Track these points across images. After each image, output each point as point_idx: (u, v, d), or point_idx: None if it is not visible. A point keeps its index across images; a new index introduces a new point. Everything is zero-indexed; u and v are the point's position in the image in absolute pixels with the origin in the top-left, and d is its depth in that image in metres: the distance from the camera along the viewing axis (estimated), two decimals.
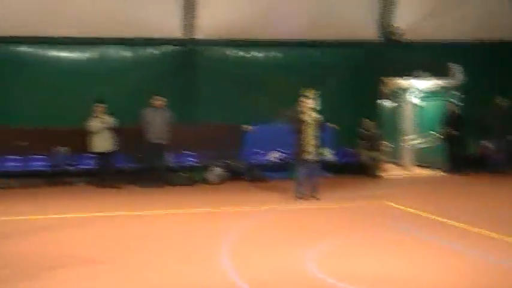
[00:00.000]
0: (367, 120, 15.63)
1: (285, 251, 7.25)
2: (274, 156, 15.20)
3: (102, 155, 13.71)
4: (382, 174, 15.69)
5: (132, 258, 7.05)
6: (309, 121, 11.42)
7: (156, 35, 14.84)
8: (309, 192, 11.62)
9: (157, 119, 13.72)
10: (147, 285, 5.89)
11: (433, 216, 9.41)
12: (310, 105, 11.55)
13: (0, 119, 13.99)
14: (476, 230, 8.27)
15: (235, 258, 6.92)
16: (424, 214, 9.68)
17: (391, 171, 16.62)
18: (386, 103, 17.60)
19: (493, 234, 7.89)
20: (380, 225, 9.02)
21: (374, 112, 16.15)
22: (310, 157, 11.43)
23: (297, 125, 11.47)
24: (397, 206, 10.63)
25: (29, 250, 7.57)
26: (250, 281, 5.91)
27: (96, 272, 6.46)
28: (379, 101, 16.55)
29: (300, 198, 11.53)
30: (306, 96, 11.55)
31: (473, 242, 7.62)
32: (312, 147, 11.41)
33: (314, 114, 11.48)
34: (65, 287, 5.95)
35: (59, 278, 6.22)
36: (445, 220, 9.09)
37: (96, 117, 13.62)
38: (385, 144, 16.82)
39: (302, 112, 11.48)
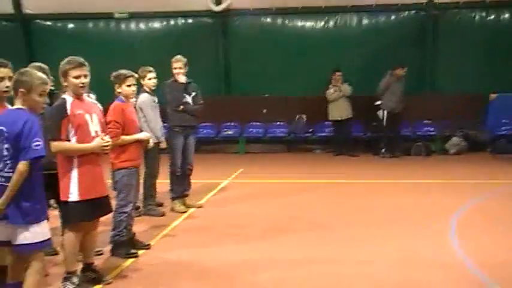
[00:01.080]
0: None
1: None
2: None
3: (338, 123, 13.97)
4: None
5: (357, 227, 7.14)
6: None
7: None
8: None
9: (397, 89, 13.52)
10: (369, 257, 5.92)
11: None
12: None
13: (246, 89, 14.94)
14: None
15: (463, 236, 6.61)
16: None
17: None
18: None
19: None
20: None
21: None
22: None
23: None
24: None
25: (263, 212, 8.11)
26: (478, 262, 5.62)
27: (321, 237, 6.68)
28: None
29: None
30: None
31: None
32: None
33: None
34: (291, 249, 6.26)
35: (287, 240, 6.58)
36: None
37: (334, 85, 13.88)
38: None
39: None
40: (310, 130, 14.66)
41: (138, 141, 6.03)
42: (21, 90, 4.16)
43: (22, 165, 4.00)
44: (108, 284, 5.15)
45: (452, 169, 11.80)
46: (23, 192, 4.04)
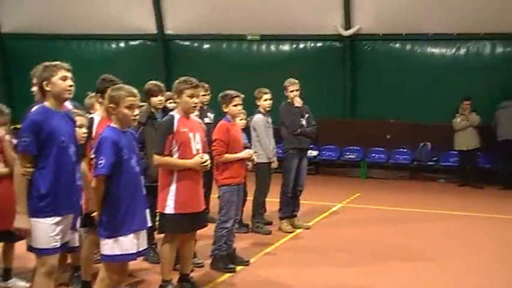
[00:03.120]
0: None
1: None
2: None
3: (465, 152, 13.51)
4: None
5: (462, 260, 6.97)
6: None
7: None
8: None
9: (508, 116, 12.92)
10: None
11: None
12: None
13: (371, 114, 14.91)
14: None
15: None
16: None
17: None
18: None
19: None
20: None
21: None
22: None
23: None
24: None
25: (372, 238, 8.12)
26: None
27: (425, 269, 6.59)
28: None
29: None
30: None
31: None
32: None
33: None
34: (391, 277, 6.25)
35: (389, 268, 6.57)
36: None
37: (462, 114, 13.46)
38: None
39: None
40: (435, 158, 14.29)
41: (242, 160, 6.34)
42: (111, 105, 4.45)
43: (92, 181, 4.40)
44: None
45: None
46: (104, 207, 4.37)
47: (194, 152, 5.20)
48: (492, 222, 9.46)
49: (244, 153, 6.37)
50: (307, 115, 8.45)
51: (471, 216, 9.92)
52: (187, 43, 16.51)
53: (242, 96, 6.42)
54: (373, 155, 14.73)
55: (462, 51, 14.61)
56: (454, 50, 14.66)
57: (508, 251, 7.54)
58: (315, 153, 14.67)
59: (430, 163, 14.26)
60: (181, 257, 5.41)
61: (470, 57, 14.52)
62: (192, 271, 5.69)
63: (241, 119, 7.24)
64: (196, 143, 5.23)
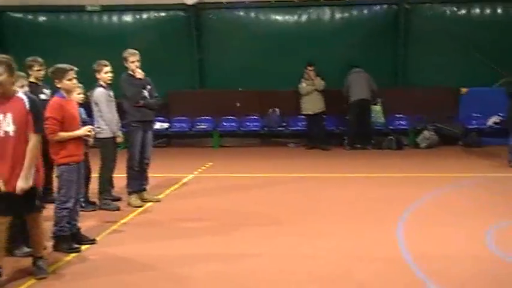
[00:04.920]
0: None
1: (469, 223, 6.78)
2: (493, 121, 14.08)
3: (312, 116, 13.96)
4: None
5: (312, 222, 7.16)
6: None
7: None
8: None
9: (359, 80, 13.62)
10: (314, 251, 5.96)
11: None
12: None
13: (220, 83, 14.92)
14: None
15: (411, 228, 6.66)
16: None
17: None
18: None
19: None
20: None
21: None
22: None
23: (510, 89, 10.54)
24: None
25: (222, 206, 8.13)
26: (416, 255, 5.65)
27: (274, 232, 6.70)
28: None
29: None
30: None
31: None
32: None
33: None
34: (239, 244, 6.28)
35: (238, 235, 6.60)
36: None
37: (307, 79, 13.86)
38: None
39: None
40: (284, 124, 14.65)
41: (79, 137, 6.00)
42: None
43: None
44: (43, 278, 5.17)
45: (422, 163, 11.82)
46: None
47: (1, 134, 4.90)
48: (341, 181, 9.85)
49: (81, 131, 6.00)
50: (149, 86, 8.19)
51: (321, 177, 10.26)
52: (19, 15, 15.45)
53: (76, 69, 6.03)
54: (224, 124, 14.80)
55: (304, 18, 15.01)
56: (296, 17, 15.03)
57: (354, 207, 7.89)
58: (165, 125, 14.48)
59: (279, 129, 14.61)
60: (31, 240, 5.31)
61: (311, 24, 14.97)
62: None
63: (78, 94, 6.86)
64: (5, 125, 4.88)
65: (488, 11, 14.58)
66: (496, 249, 5.77)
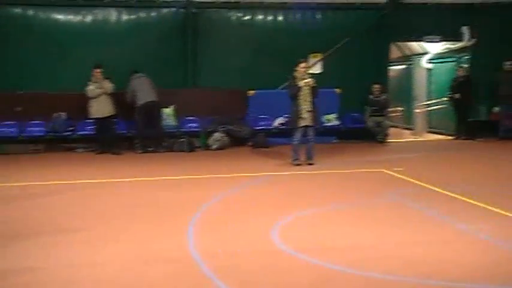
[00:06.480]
0: (376, 84, 15.09)
1: (257, 221, 6.96)
2: (279, 121, 14.83)
3: (101, 120, 13.51)
4: (390, 139, 15.25)
5: (110, 226, 6.87)
6: (304, 87, 11.04)
7: None
8: (304, 158, 11.32)
9: (144, 84, 13.55)
10: (104, 258, 5.68)
11: (429, 185, 8.99)
12: (305, 71, 11.24)
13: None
14: (473, 201, 7.77)
15: (201, 229, 6.67)
16: (421, 183, 9.21)
17: (400, 137, 16.25)
18: (396, 67, 17.09)
19: (493, 208, 7.35)
20: (370, 192, 8.64)
21: (383, 77, 15.62)
22: (304, 123, 11.09)
23: (293, 91, 11.14)
24: (395, 173, 10.22)
25: (17, 215, 7.48)
26: (205, 254, 5.64)
27: (71, 240, 6.27)
28: (388, 66, 16.01)
29: (297, 164, 11.23)
30: (302, 62, 11.27)
31: (465, 215, 7.12)
32: (306, 113, 11.05)
33: (308, 80, 11.09)
34: (39, 253, 5.78)
35: (22, 246, 6.06)
36: (439, 189, 8.68)
37: (95, 82, 13.38)
38: (395, 110, 16.39)
39: (297, 78, 11.15)
40: (71, 128, 13.98)
41: None
42: None
43: None
44: None
45: (213, 164, 12.01)
46: None
47: None
48: (131, 185, 9.63)
49: None
50: None
51: (111, 182, 9.93)
52: None
53: None
54: (3, 129, 13.70)
55: (89, 18, 14.58)
56: (80, 17, 14.53)
57: (144, 211, 7.69)
58: None
59: (66, 133, 13.91)
60: None
61: (97, 25, 14.56)
62: None
63: None
64: None
65: (270, 17, 15.32)
66: (280, 243, 5.97)
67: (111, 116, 13.51)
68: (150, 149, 13.58)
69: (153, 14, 14.85)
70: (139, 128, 13.67)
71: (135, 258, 5.62)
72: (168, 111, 14.22)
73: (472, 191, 8.36)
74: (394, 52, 16.89)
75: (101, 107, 13.39)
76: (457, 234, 6.25)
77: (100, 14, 14.57)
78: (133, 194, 8.91)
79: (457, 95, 15.26)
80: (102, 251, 5.86)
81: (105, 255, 5.72)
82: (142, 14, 14.81)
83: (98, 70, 13.32)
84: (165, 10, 14.88)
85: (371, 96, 15.11)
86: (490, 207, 7.34)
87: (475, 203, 7.63)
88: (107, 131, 13.55)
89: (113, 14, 14.63)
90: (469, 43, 15.55)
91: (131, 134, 13.93)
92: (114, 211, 7.73)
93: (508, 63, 14.95)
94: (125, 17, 14.72)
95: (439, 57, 17.06)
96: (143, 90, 13.48)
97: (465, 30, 15.40)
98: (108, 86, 13.37)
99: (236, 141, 14.43)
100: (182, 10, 14.82)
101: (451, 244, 5.87)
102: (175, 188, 9.30)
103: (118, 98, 13.43)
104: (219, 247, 5.89)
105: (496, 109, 15.32)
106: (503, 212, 7.08)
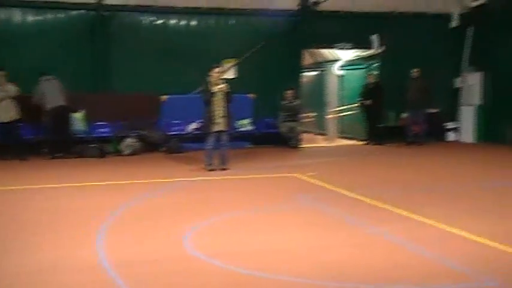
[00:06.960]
0: (289, 90, 15.26)
1: (169, 227, 6.81)
2: (193, 127, 14.69)
3: (6, 125, 12.90)
4: (303, 145, 15.47)
5: (19, 236, 6.50)
6: (217, 92, 11.00)
7: None
8: (218, 163, 11.27)
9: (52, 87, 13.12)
10: (11, 270, 5.37)
11: (340, 189, 9.13)
12: (218, 76, 11.19)
13: None
14: (381, 205, 7.95)
15: (112, 236, 6.45)
16: (333, 187, 9.36)
17: (313, 142, 16.51)
18: (309, 73, 17.37)
19: (399, 211, 7.56)
20: (283, 197, 8.68)
21: (296, 83, 15.82)
22: (218, 128, 11.04)
23: (206, 96, 11.07)
24: (306, 178, 10.33)
25: None
26: (116, 262, 5.45)
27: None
28: (300, 72, 16.25)
29: (210, 169, 11.15)
30: (215, 67, 11.22)
31: (374, 218, 7.25)
32: (220, 118, 11.01)
33: (222, 85, 11.05)
34: None
35: None
36: (350, 193, 8.84)
37: None
38: (308, 115, 16.64)
39: (211, 83, 11.08)
40: None
41: None
42: None
43: None
44: None
45: (125, 170, 11.76)
46: None
47: None
48: (42, 192, 9.25)
49: None
50: None
51: (19, 190, 9.48)
52: None
53: None
54: None
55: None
56: None
57: (53, 219, 7.38)
58: None
59: None
60: None
61: (0, 26, 13.93)
62: None
63: None
64: None
65: (184, 21, 15.18)
66: (192, 249, 5.86)
67: (16, 120, 12.93)
68: (59, 155, 13.11)
69: (61, 15, 14.36)
70: (47, 132, 13.18)
71: (41, 269, 5.33)
72: (78, 115, 13.78)
73: (380, 194, 8.56)
74: (307, 59, 17.17)
75: (4, 112, 12.80)
76: (367, 237, 6.35)
77: (2, 13, 13.95)
78: (42, 201, 8.54)
79: (367, 101, 15.69)
80: (11, 263, 5.54)
81: (13, 267, 5.40)
82: (49, 16, 14.28)
83: (1, 73, 12.73)
84: (74, 12, 14.42)
85: (284, 102, 15.27)
86: (396, 210, 7.52)
87: (383, 206, 7.81)
88: (11, 136, 12.95)
89: (17, 15, 14.03)
90: (379, 51, 16.03)
91: (39, 139, 13.39)
92: (20, 220, 7.35)
93: (415, 70, 15.51)
94: (30, 17, 14.14)
95: (350, 64, 17.49)
96: (52, 93, 13.04)
97: (375, 38, 15.86)
98: (12, 89, 12.81)
99: (149, 147, 14.19)
100: (92, 12, 14.41)
101: (361, 247, 5.96)
102: (86, 195, 9.01)
103: (24, 101, 12.87)
104: (130, 254, 5.71)
105: (404, 115, 15.87)
106: (408, 214, 7.28)
